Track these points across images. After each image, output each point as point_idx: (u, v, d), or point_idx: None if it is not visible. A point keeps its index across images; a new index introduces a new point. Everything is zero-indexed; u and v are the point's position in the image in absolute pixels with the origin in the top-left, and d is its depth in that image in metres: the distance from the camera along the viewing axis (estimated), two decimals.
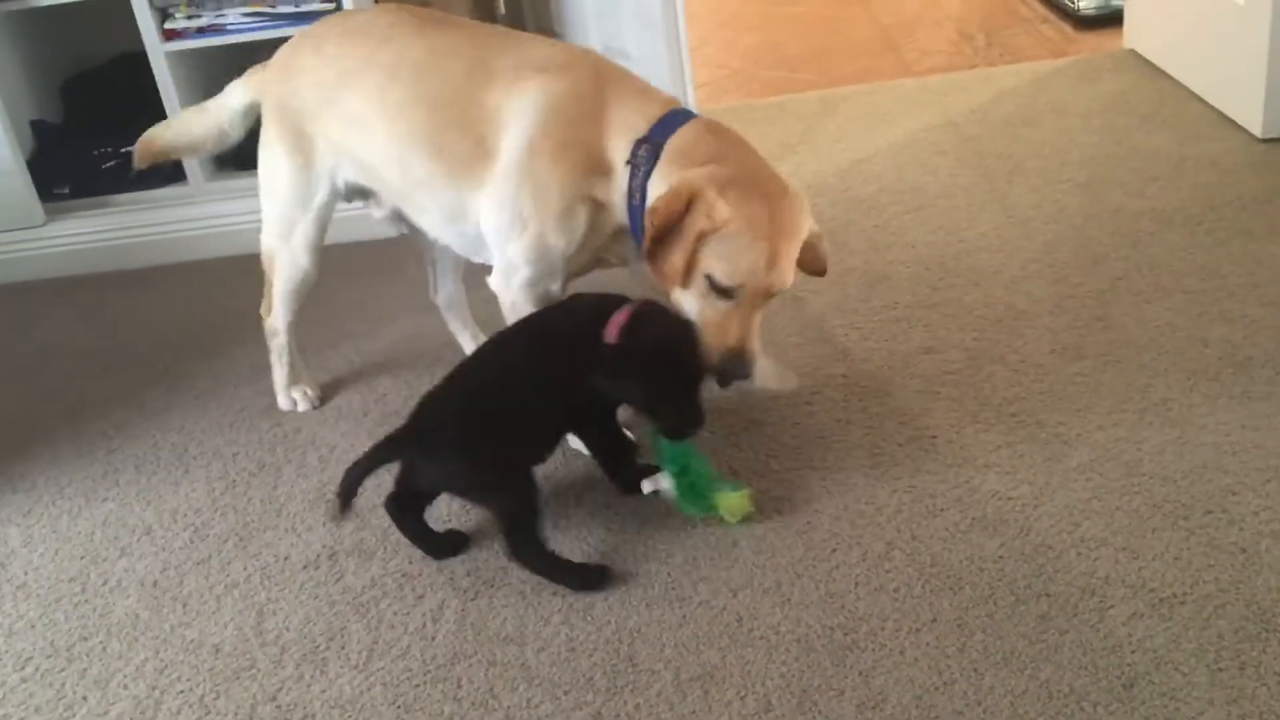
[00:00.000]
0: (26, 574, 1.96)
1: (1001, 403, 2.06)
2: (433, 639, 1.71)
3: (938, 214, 2.78)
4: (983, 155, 3.06)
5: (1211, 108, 3.11)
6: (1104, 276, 2.41)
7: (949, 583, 1.68)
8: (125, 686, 1.69)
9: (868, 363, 2.24)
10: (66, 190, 3.19)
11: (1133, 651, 1.53)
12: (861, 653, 1.58)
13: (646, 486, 1.86)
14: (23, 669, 1.75)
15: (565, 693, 1.58)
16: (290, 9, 2.89)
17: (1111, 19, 3.89)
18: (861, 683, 1.53)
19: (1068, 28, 4.05)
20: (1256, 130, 2.91)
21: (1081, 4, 4.04)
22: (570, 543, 1.85)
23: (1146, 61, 3.50)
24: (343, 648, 1.71)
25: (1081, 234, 2.60)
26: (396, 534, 1.89)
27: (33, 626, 1.84)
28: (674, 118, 1.84)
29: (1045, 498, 1.82)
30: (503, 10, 3.67)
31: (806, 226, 1.84)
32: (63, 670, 1.74)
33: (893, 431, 2.03)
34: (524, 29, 3.57)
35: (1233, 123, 3.00)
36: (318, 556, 1.90)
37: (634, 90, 1.88)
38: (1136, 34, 3.59)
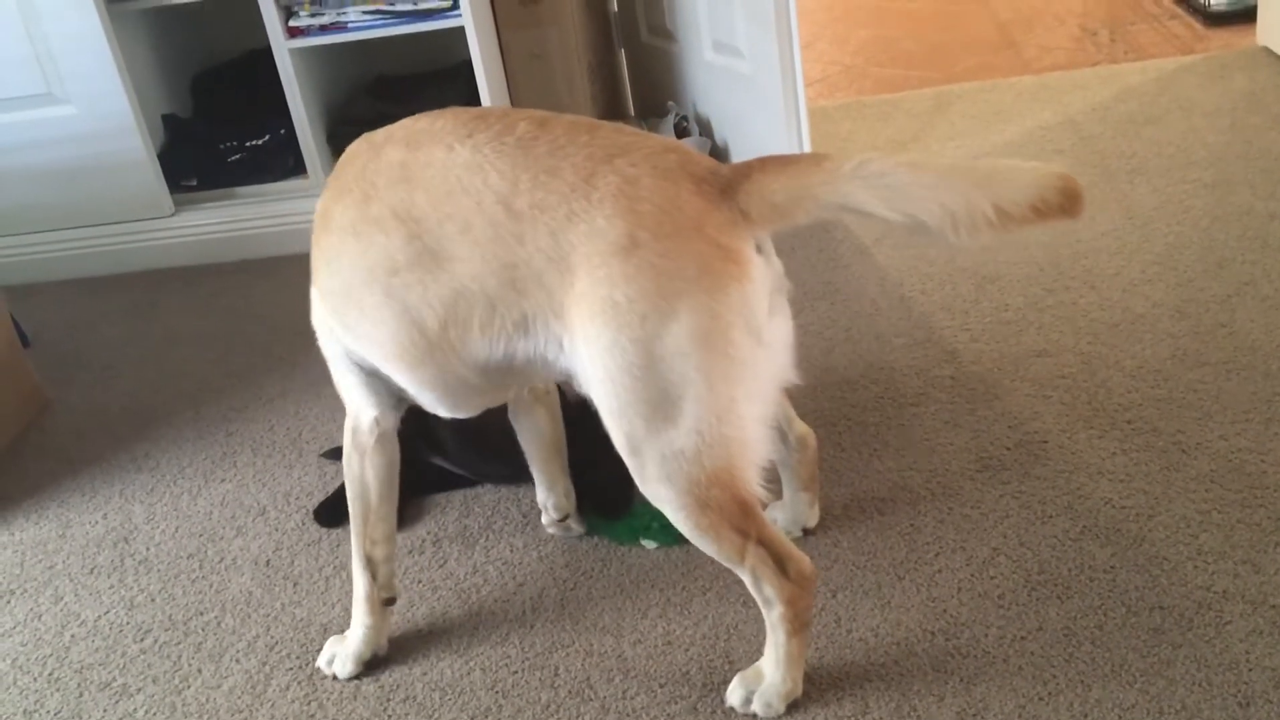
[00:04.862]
0: (149, 549, 2.05)
1: (1117, 409, 2.00)
2: (531, 627, 1.73)
3: None
4: (1103, 154, 2.97)
5: None
6: (1230, 281, 2.32)
7: (1057, 591, 1.64)
8: (238, 661, 1.75)
9: (976, 364, 2.19)
10: (194, 182, 3.31)
11: (1250, 669, 1.47)
12: (963, 659, 1.55)
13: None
14: (142, 640, 1.83)
15: (661, 686, 1.59)
16: (408, 7, 2.95)
17: (1243, 15, 3.73)
18: (963, 689, 1.50)
19: (1197, 24, 3.91)
20: None
21: None
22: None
23: None
24: (444, 632, 1.74)
25: (1207, 236, 2.50)
26: (500, 522, 1.94)
27: (153, 600, 1.91)
28: None
29: (1161, 507, 1.76)
30: (615, 9, 3.69)
31: None
32: (179, 643, 1.81)
33: (1001, 435, 1.98)
34: (637, 28, 3.59)
35: None
36: (422, 542, 1.94)
37: None
38: (1270, 30, 3.44)
